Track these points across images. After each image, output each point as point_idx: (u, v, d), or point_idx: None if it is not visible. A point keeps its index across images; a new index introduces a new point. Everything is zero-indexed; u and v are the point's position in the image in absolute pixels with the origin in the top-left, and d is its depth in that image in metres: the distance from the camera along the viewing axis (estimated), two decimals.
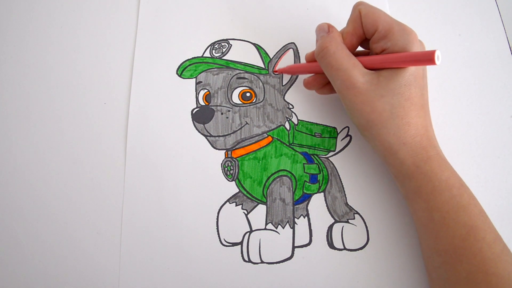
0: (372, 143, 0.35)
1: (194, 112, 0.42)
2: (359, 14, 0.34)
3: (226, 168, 0.40)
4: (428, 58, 0.29)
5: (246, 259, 0.38)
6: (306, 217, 0.39)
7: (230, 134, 0.41)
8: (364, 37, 0.35)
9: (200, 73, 0.43)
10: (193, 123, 0.41)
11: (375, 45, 0.33)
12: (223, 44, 0.44)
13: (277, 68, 0.43)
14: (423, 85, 0.33)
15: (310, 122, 0.41)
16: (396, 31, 0.32)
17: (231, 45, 0.44)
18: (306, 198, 0.39)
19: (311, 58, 0.38)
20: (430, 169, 0.32)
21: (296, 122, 0.41)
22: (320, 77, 0.38)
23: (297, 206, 0.39)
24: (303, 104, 0.42)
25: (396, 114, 0.32)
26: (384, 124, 0.32)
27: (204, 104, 0.42)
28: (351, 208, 0.39)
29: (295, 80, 0.42)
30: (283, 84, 0.42)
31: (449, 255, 0.30)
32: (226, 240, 0.38)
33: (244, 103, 0.42)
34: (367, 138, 0.35)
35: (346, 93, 0.33)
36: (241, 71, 0.43)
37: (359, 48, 0.37)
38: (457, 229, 0.30)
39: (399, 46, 0.32)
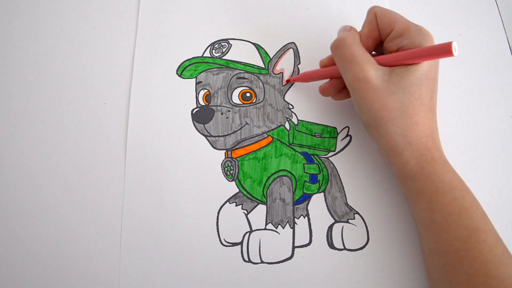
0: (377, 141, 0.35)
1: (194, 112, 0.42)
2: (374, 16, 0.34)
3: (226, 168, 0.40)
4: (445, 50, 0.29)
5: (246, 259, 0.38)
6: (306, 217, 0.39)
7: (230, 134, 0.41)
8: (380, 39, 0.35)
9: (200, 73, 0.43)
10: (193, 123, 0.41)
11: (390, 44, 0.34)
12: (223, 44, 0.44)
13: (277, 67, 0.43)
14: (433, 88, 0.33)
15: (310, 122, 0.41)
16: (413, 31, 0.32)
17: (231, 45, 0.44)
18: (306, 198, 0.39)
19: (325, 63, 0.38)
20: (434, 170, 0.32)
21: (296, 122, 0.41)
22: (336, 81, 0.38)
23: (297, 206, 0.39)
24: (303, 104, 0.42)
25: (406, 112, 0.32)
26: (393, 122, 0.32)
27: (204, 104, 0.42)
28: (351, 208, 0.39)
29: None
30: (283, 84, 0.42)
31: (450, 257, 0.30)
32: (226, 240, 0.38)
33: (244, 103, 0.42)
34: (373, 136, 0.35)
35: (357, 87, 0.33)
36: (241, 71, 0.43)
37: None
38: (459, 231, 0.30)
39: (415, 44, 0.32)
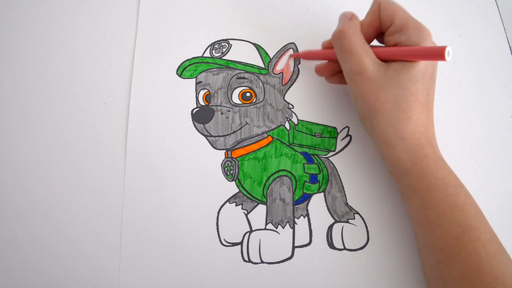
0: (371, 134, 0.35)
1: (194, 112, 0.42)
2: (378, 7, 0.35)
3: (226, 168, 0.40)
4: (439, 53, 0.29)
5: (246, 259, 0.38)
6: (306, 217, 0.39)
7: (230, 134, 0.41)
8: (381, 30, 0.35)
9: (200, 73, 0.43)
10: (193, 123, 0.41)
11: (389, 38, 0.34)
12: (223, 44, 0.44)
13: (277, 67, 0.43)
14: (430, 85, 0.33)
15: (310, 122, 0.41)
16: (412, 27, 0.32)
17: (231, 45, 0.44)
18: (306, 198, 0.39)
19: (328, 45, 0.39)
20: (426, 167, 0.32)
21: (296, 122, 0.41)
22: (332, 64, 0.38)
23: (297, 206, 0.39)
24: (303, 104, 0.42)
25: (398, 106, 0.32)
26: (385, 115, 0.32)
27: (204, 104, 0.42)
28: (351, 208, 0.39)
29: (295, 80, 0.42)
30: (283, 84, 0.42)
31: (443, 254, 0.30)
32: (226, 240, 0.38)
33: (244, 103, 0.42)
34: (367, 128, 0.35)
35: (354, 78, 0.34)
36: (241, 71, 0.43)
37: (375, 42, 0.37)
38: (452, 228, 0.30)
39: (412, 41, 0.32)
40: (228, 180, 0.40)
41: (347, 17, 0.36)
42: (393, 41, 0.33)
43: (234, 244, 0.38)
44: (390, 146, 0.33)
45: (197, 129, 0.41)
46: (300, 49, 0.43)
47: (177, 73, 0.43)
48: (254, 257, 0.38)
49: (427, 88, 0.33)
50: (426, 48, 0.31)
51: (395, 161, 0.33)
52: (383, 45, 0.37)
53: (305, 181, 0.39)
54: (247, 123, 0.41)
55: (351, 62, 0.33)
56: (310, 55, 0.41)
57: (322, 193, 0.39)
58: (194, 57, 0.43)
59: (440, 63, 0.37)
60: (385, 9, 0.34)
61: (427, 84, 0.33)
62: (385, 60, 0.34)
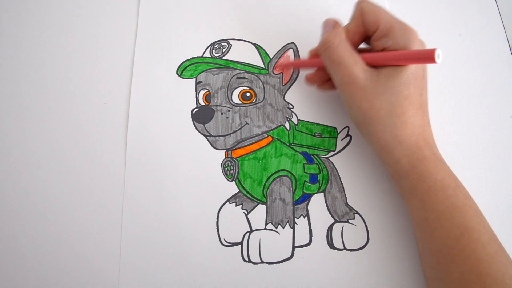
0: (368, 140, 0.35)
1: (194, 112, 0.42)
2: (361, 12, 0.34)
3: (226, 168, 0.40)
4: (428, 56, 0.29)
5: (246, 259, 0.38)
6: (306, 217, 0.39)
7: (230, 134, 0.41)
8: (366, 34, 0.35)
9: (200, 73, 0.43)
10: (193, 123, 0.41)
11: (376, 43, 0.34)
12: (223, 44, 0.44)
13: (277, 67, 0.43)
14: (422, 85, 0.33)
15: (310, 122, 0.41)
16: (397, 30, 0.32)
17: (231, 45, 0.44)
18: (306, 198, 0.39)
19: (315, 53, 0.38)
20: (425, 169, 0.32)
21: (296, 122, 0.41)
22: (322, 72, 0.38)
23: (297, 206, 0.39)
24: (303, 104, 0.42)
25: (393, 112, 0.32)
26: (381, 121, 0.32)
27: (204, 104, 0.42)
28: (351, 208, 0.39)
29: (295, 80, 0.42)
30: (283, 84, 0.42)
31: (443, 256, 0.30)
32: (226, 240, 0.38)
33: (244, 103, 0.42)
34: (364, 135, 0.35)
35: (345, 88, 0.33)
36: (241, 71, 0.43)
37: (363, 45, 0.37)
38: (451, 230, 0.30)
39: (400, 44, 0.32)
40: (228, 180, 0.40)
41: (330, 25, 0.36)
42: (380, 46, 0.33)
43: (234, 244, 0.38)
44: (389, 150, 0.33)
45: (197, 129, 0.41)
46: (300, 49, 0.43)
47: (177, 73, 0.43)
48: (254, 257, 0.38)
49: (420, 89, 0.33)
50: (415, 52, 0.31)
51: (394, 164, 0.33)
52: (370, 47, 0.37)
53: (305, 181, 0.39)
54: (247, 123, 0.41)
55: (341, 73, 0.33)
56: (298, 64, 0.41)
57: (322, 193, 0.39)
58: (194, 57, 0.43)
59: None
60: (368, 14, 0.33)
61: (419, 85, 0.33)
62: (374, 66, 0.33)
